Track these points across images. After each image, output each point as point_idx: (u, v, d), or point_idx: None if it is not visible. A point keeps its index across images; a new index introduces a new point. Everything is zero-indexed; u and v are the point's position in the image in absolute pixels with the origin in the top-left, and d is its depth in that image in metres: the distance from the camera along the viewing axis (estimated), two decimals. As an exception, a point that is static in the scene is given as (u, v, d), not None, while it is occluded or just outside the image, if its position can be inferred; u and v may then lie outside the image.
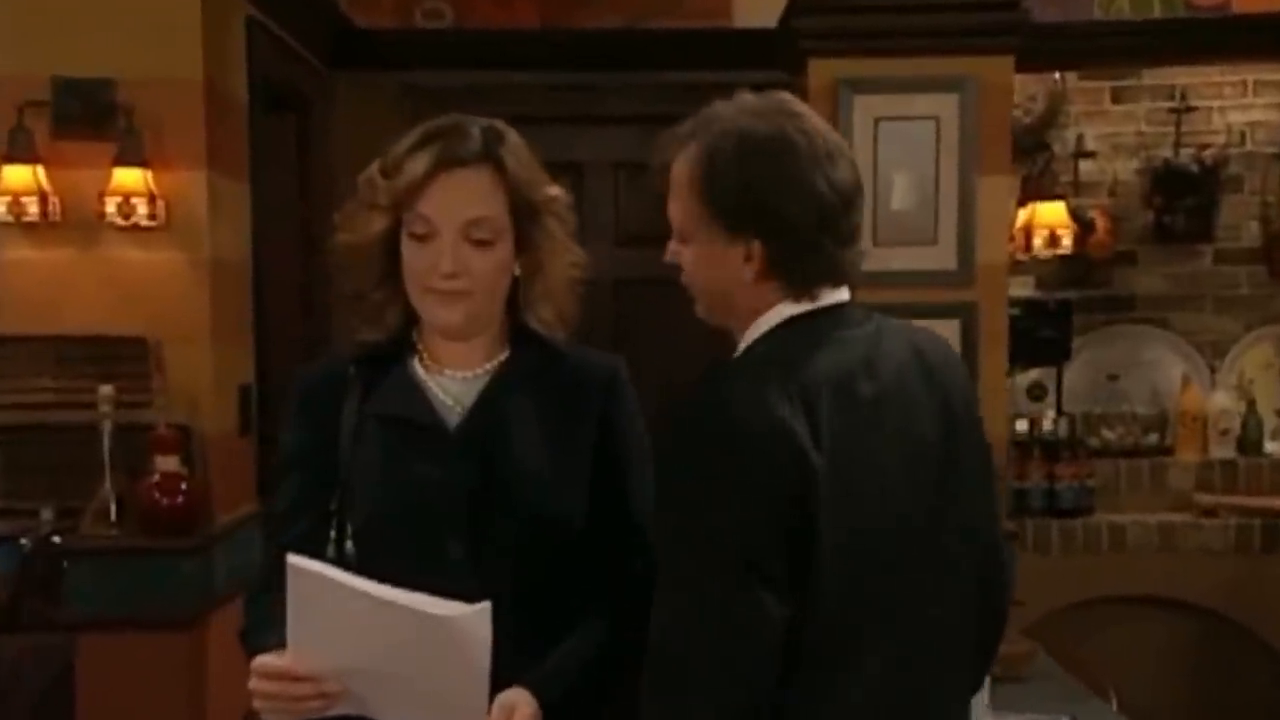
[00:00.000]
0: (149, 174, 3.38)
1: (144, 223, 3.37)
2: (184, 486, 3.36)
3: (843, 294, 1.69)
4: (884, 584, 1.59)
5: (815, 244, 1.63)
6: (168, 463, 3.35)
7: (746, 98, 1.69)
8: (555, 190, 1.88)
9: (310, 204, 4.50)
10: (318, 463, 1.85)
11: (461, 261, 1.78)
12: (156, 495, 3.34)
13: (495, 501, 1.79)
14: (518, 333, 1.90)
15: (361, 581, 1.63)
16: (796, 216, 1.62)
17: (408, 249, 1.80)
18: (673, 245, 1.74)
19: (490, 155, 1.80)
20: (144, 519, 3.36)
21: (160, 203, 3.39)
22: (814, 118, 1.68)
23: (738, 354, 1.69)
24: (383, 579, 1.66)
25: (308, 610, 1.63)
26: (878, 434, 1.59)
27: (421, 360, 1.89)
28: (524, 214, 1.83)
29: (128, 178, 3.36)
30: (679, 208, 1.71)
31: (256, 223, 3.85)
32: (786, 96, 1.70)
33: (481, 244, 1.79)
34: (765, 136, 1.63)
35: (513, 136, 1.85)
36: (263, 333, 3.90)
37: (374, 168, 1.83)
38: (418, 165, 1.77)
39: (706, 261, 1.69)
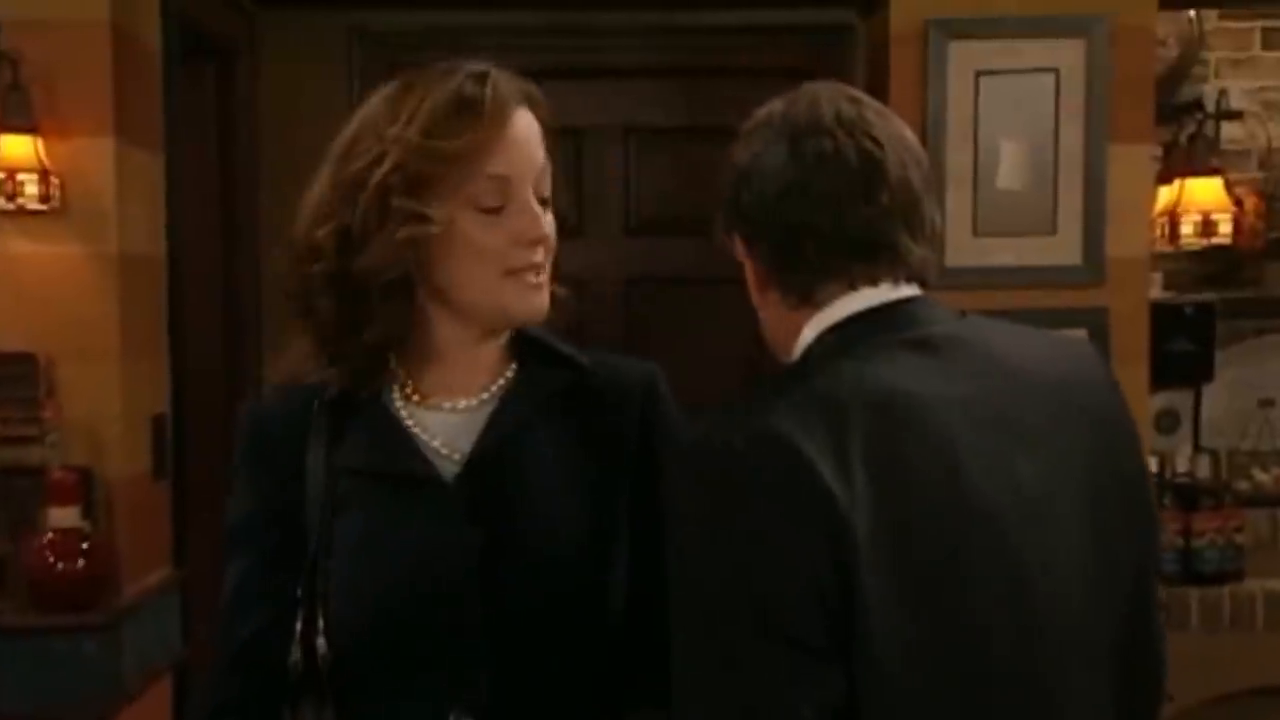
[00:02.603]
0: (40, 142, 3.38)
1: (33, 205, 3.37)
2: (85, 546, 3.36)
3: (889, 292, 1.71)
4: (972, 672, 1.59)
5: (790, 224, 1.71)
6: (64, 515, 3.35)
7: (776, 104, 1.79)
8: None
9: (232, 180, 4.53)
10: (277, 534, 1.83)
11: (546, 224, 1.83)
12: (49, 558, 3.33)
13: (516, 574, 1.78)
14: (522, 338, 1.91)
15: None
16: (756, 184, 1.72)
17: (474, 227, 1.77)
18: None
19: (529, 96, 1.83)
20: (34, 588, 3.36)
21: (54, 180, 3.39)
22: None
23: None
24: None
25: None
26: (947, 465, 1.59)
27: (403, 391, 1.87)
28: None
29: (13, 147, 3.36)
30: None
31: (171, 206, 3.86)
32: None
33: (546, 202, 1.83)
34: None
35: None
36: (179, 348, 3.91)
37: (404, 139, 1.75)
38: (486, 114, 1.75)
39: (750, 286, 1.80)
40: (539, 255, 1.80)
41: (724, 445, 1.55)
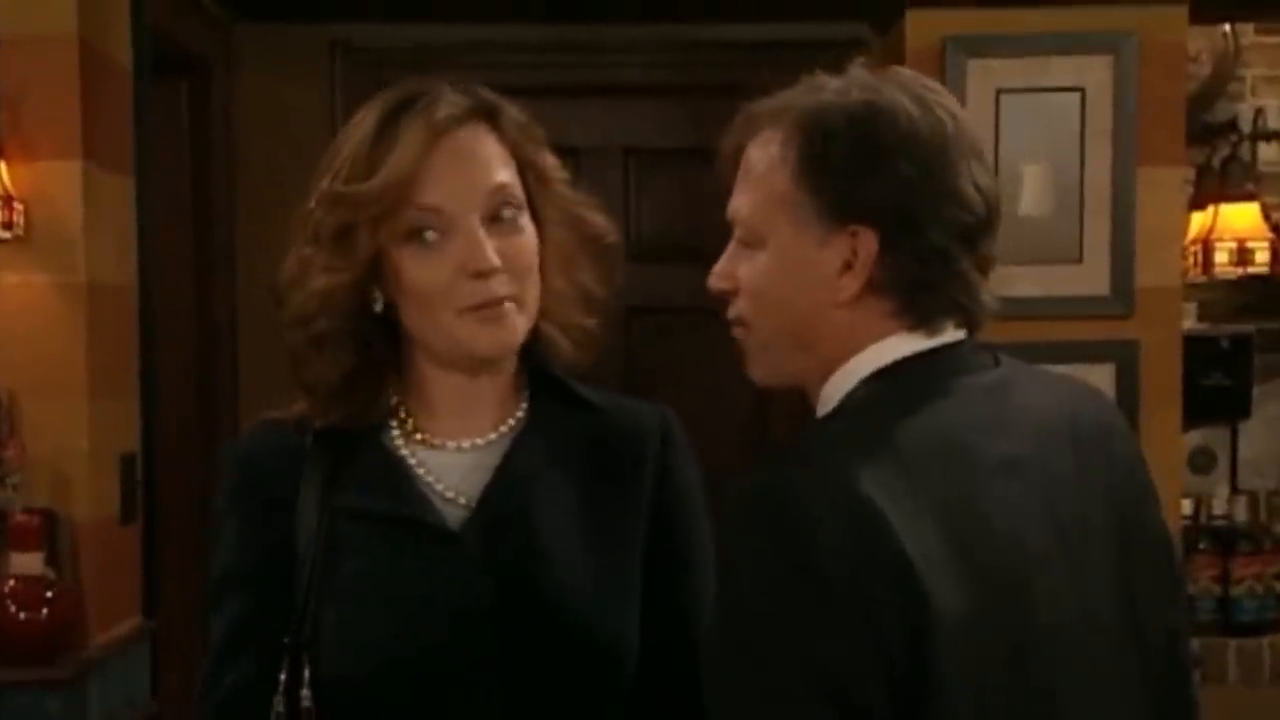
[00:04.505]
0: (3, 166, 3.38)
1: (-4, 232, 3.38)
2: (48, 595, 3.35)
3: (951, 334, 1.71)
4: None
5: (950, 256, 1.66)
6: (26, 562, 3.34)
7: (859, 70, 1.73)
8: (550, 155, 1.89)
9: (208, 204, 4.54)
10: (268, 579, 1.80)
11: (498, 251, 1.75)
12: (11, 607, 3.33)
13: (528, 624, 1.78)
14: (533, 375, 1.90)
15: None
16: (935, 214, 1.65)
17: (412, 264, 1.76)
18: (725, 264, 1.76)
19: (481, 108, 1.80)
20: (-6, 640, 3.35)
21: (19, 206, 3.39)
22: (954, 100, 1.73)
23: (827, 411, 1.70)
24: None
25: None
26: (1009, 517, 1.61)
27: (404, 427, 1.87)
28: (530, 181, 1.83)
29: (-26, 172, 3.36)
30: (752, 197, 1.72)
31: (142, 232, 3.86)
32: (912, 72, 1.75)
33: (510, 223, 1.78)
34: (903, 110, 1.66)
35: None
36: (150, 383, 3.90)
37: (326, 185, 1.78)
38: (408, 143, 1.74)
39: (784, 269, 1.70)
40: (498, 287, 1.76)
41: (798, 501, 1.53)
